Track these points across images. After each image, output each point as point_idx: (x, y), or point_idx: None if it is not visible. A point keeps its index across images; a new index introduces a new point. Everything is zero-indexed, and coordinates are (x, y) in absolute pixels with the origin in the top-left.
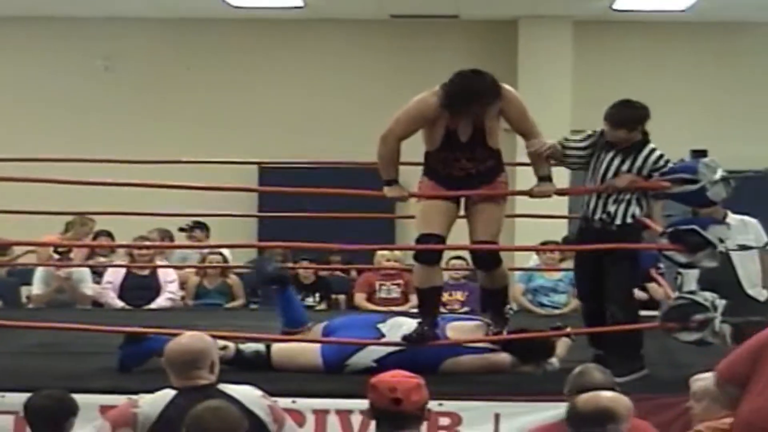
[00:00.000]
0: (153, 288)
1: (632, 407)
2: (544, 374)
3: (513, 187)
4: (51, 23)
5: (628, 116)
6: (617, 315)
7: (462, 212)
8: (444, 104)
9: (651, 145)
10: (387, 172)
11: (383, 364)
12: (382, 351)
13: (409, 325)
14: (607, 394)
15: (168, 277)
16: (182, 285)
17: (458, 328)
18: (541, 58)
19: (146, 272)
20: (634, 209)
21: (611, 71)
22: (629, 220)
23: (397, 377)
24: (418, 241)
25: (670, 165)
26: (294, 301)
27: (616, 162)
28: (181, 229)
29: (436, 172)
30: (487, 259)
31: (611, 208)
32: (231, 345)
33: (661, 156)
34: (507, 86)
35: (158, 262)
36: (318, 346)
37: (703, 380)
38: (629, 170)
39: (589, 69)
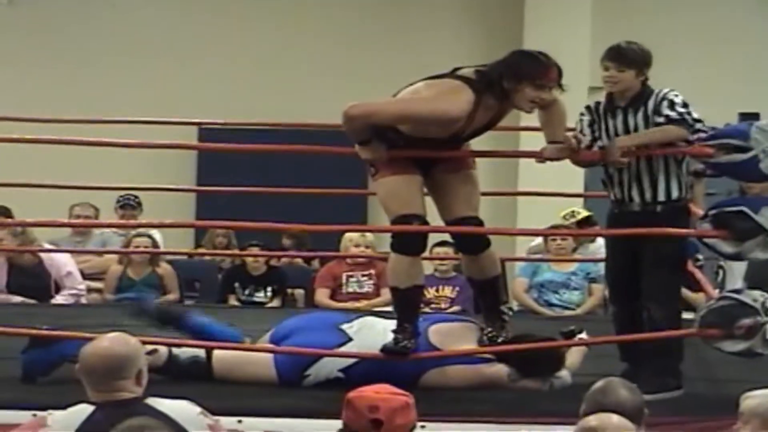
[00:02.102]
0: (44, 286)
1: None
2: (551, 390)
3: (515, 161)
4: None
5: (638, 55)
6: (656, 317)
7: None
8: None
9: (658, 89)
10: (360, 135)
11: (352, 374)
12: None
13: (383, 327)
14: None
15: (62, 270)
16: (101, 275)
17: (444, 332)
18: None
19: (33, 262)
20: (674, 186)
21: (642, 13)
22: (674, 196)
23: (382, 393)
24: (396, 223)
25: (689, 112)
26: (205, 327)
27: (630, 122)
28: (122, 206)
29: (396, 146)
30: (474, 238)
31: (648, 189)
32: (162, 349)
33: (674, 97)
34: None
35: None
36: (270, 354)
37: (753, 398)
38: (638, 127)
39: (613, 10)
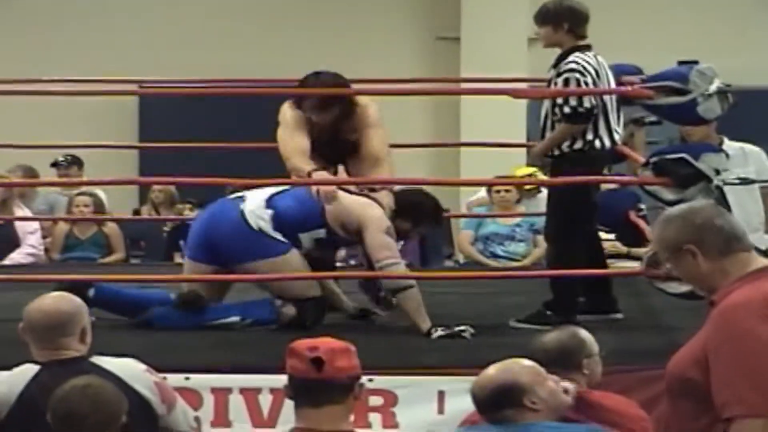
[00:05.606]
0: (9, 241)
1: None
2: (502, 342)
3: (456, 114)
4: None
5: (550, 11)
6: (549, 257)
7: None
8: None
9: (576, 53)
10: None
11: (277, 205)
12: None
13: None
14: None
15: (28, 227)
16: (47, 235)
17: None
18: None
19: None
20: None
21: None
22: (576, 147)
23: (321, 340)
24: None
25: (574, 74)
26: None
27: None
28: (54, 165)
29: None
30: None
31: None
32: None
33: (569, 75)
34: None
35: (16, 209)
36: None
37: None
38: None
39: None
